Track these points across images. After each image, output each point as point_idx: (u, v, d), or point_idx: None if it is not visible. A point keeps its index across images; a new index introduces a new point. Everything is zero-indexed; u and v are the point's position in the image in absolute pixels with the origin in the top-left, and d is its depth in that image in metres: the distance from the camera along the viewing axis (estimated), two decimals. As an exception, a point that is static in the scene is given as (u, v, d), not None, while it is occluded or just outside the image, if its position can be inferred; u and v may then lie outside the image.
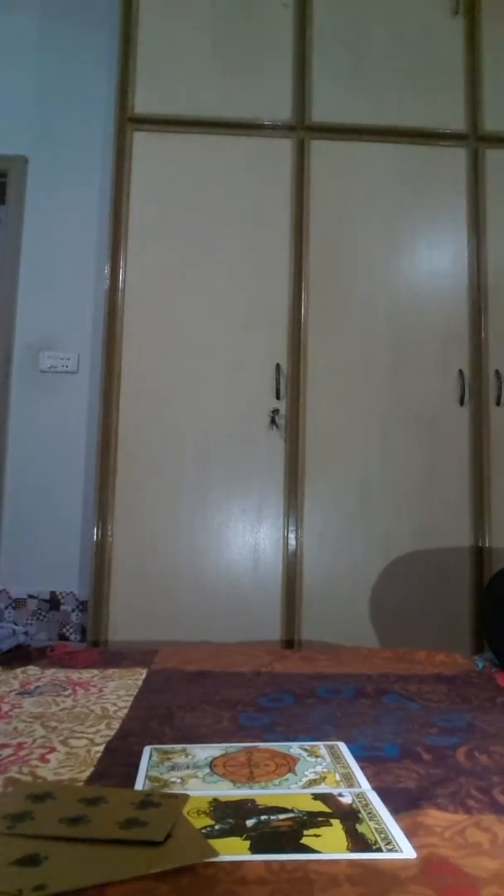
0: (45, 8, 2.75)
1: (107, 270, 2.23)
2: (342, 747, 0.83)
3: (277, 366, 2.21)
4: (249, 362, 2.22)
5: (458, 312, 2.27)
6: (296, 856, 0.57)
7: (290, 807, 0.66)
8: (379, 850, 0.58)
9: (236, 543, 2.16)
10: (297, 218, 2.27)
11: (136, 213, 2.25)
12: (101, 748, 0.84)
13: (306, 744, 0.85)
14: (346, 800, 0.68)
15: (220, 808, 0.66)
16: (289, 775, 0.75)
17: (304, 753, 0.81)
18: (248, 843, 0.59)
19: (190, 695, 1.08)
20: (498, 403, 2.23)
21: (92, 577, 2.12)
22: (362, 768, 0.76)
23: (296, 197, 2.28)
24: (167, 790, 0.71)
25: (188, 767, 0.77)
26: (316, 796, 0.69)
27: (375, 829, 0.62)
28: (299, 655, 1.42)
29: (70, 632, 2.50)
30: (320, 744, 0.84)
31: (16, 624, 2.39)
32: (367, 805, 0.67)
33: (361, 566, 2.16)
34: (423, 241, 2.30)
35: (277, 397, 2.20)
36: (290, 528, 2.16)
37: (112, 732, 0.90)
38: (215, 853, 0.57)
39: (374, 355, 2.25)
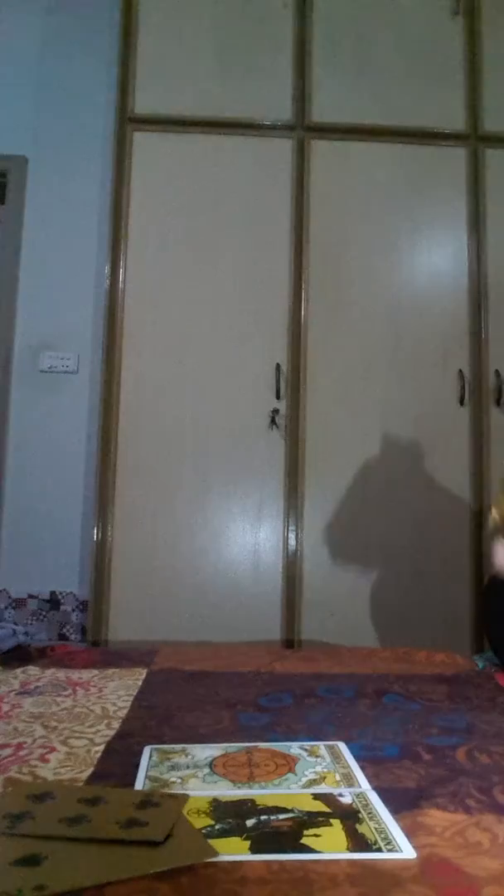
0: (45, 8, 2.75)
1: (107, 270, 2.23)
2: (342, 747, 0.83)
3: (277, 366, 2.21)
4: (249, 362, 2.22)
5: (458, 312, 2.27)
6: (296, 856, 0.57)
7: (290, 807, 0.66)
8: (379, 850, 0.58)
9: (236, 543, 2.16)
10: (297, 217, 2.27)
11: (136, 213, 2.26)
12: (101, 748, 0.84)
13: (306, 744, 0.84)
14: (346, 800, 0.68)
15: (220, 808, 0.66)
16: (289, 775, 0.75)
17: (304, 753, 0.81)
18: (248, 843, 0.59)
19: (190, 695, 1.08)
20: (498, 403, 2.23)
21: (92, 577, 2.12)
22: (362, 768, 0.76)
23: (296, 197, 2.28)
24: (167, 790, 0.71)
25: (188, 767, 0.77)
26: (316, 796, 0.69)
27: (375, 829, 0.62)
28: (299, 655, 1.42)
29: (70, 632, 2.50)
30: (320, 744, 0.84)
31: (16, 624, 2.39)
32: (367, 805, 0.67)
33: (361, 566, 2.16)
34: (423, 241, 2.30)
35: (277, 397, 2.20)
36: (290, 528, 2.16)
37: (112, 732, 0.90)
38: (215, 853, 0.57)
39: (374, 355, 2.25)
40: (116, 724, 0.93)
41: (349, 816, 0.64)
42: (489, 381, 2.24)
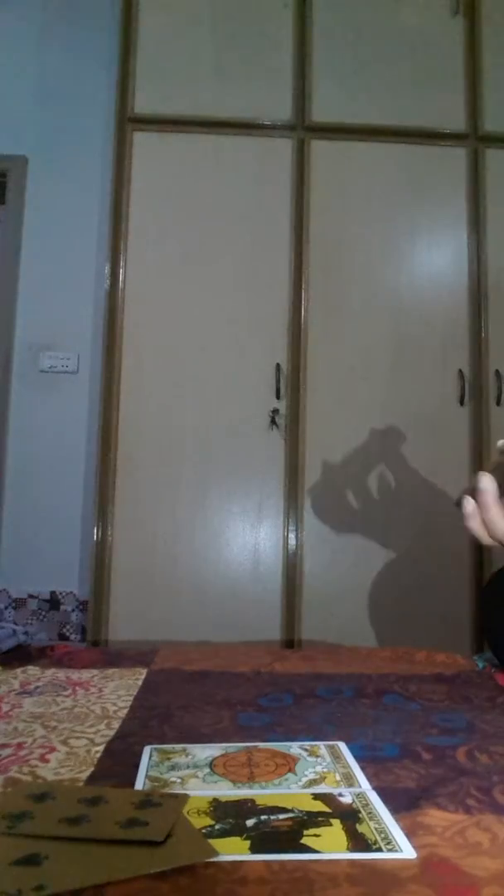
0: (45, 8, 2.76)
1: (107, 270, 2.23)
2: (342, 747, 0.83)
3: (277, 366, 2.21)
4: (249, 362, 2.22)
5: (458, 312, 2.27)
6: (296, 856, 0.57)
7: (290, 807, 0.66)
8: (379, 849, 0.58)
9: (236, 543, 2.16)
10: (297, 217, 2.27)
11: (136, 213, 2.26)
12: (101, 748, 0.84)
13: (306, 744, 0.84)
14: (346, 800, 0.68)
15: (220, 808, 0.66)
16: (289, 775, 0.75)
17: (304, 753, 0.81)
18: (248, 842, 0.59)
19: (190, 695, 1.08)
20: (498, 403, 2.23)
21: (92, 577, 2.12)
22: (362, 768, 0.76)
23: (296, 197, 2.28)
24: (167, 790, 0.71)
25: (188, 767, 0.77)
26: (316, 796, 0.69)
27: (375, 829, 0.62)
28: (299, 655, 1.42)
29: (70, 632, 2.50)
30: (320, 744, 0.84)
31: (16, 624, 2.39)
32: (367, 805, 0.67)
33: (361, 566, 2.16)
34: (423, 241, 2.30)
35: (277, 397, 2.20)
36: (290, 528, 2.16)
37: (112, 732, 0.90)
38: (215, 853, 0.57)
39: (375, 355, 2.25)
40: (116, 724, 0.93)
41: (349, 816, 0.64)
42: (489, 381, 2.24)
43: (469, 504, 0.91)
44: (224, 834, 0.61)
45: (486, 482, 0.89)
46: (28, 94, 2.73)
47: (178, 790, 0.71)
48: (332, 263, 2.27)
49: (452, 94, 2.35)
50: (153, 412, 2.19)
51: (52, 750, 0.83)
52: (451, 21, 2.37)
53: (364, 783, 0.72)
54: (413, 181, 2.32)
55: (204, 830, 0.61)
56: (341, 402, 2.22)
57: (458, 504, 0.92)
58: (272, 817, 0.64)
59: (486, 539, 0.92)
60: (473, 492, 0.90)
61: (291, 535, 2.16)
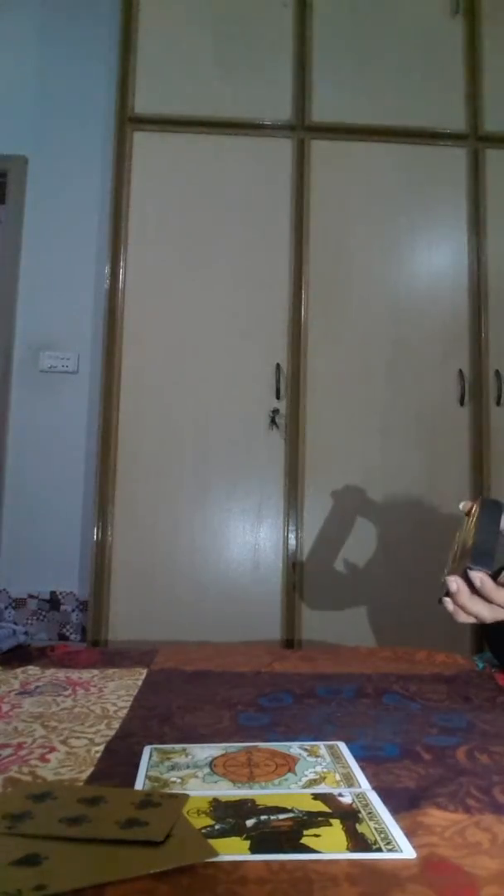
0: (44, 8, 2.76)
1: (107, 270, 2.23)
2: (342, 747, 0.83)
3: (277, 366, 2.21)
4: (249, 362, 2.22)
5: (458, 312, 2.27)
6: (296, 856, 0.57)
7: (290, 807, 0.66)
8: (379, 849, 0.58)
9: (236, 543, 2.16)
10: (297, 217, 2.27)
11: (136, 213, 2.26)
12: (101, 748, 0.84)
13: (306, 744, 0.84)
14: (346, 800, 0.68)
15: (220, 808, 0.66)
16: (289, 775, 0.75)
17: (304, 753, 0.81)
18: (248, 843, 0.59)
19: (190, 695, 1.08)
20: (498, 403, 2.23)
21: (92, 577, 2.12)
22: (362, 768, 0.76)
23: (296, 196, 2.28)
24: (167, 790, 0.71)
25: (188, 767, 0.77)
26: (316, 796, 0.69)
27: (375, 829, 0.62)
28: (299, 655, 1.42)
29: (70, 632, 2.50)
30: (320, 744, 0.84)
31: (16, 624, 2.39)
32: (367, 805, 0.67)
33: (361, 566, 2.16)
34: (423, 241, 2.30)
35: (277, 397, 2.20)
36: (290, 528, 2.16)
37: (112, 732, 0.90)
38: (215, 853, 0.57)
39: (375, 355, 2.25)
40: (116, 724, 0.93)
41: (349, 816, 0.64)
42: (489, 381, 2.24)
43: (449, 604, 0.95)
44: (224, 834, 0.61)
45: (454, 585, 0.93)
46: (28, 94, 2.73)
47: (178, 790, 0.71)
48: (332, 263, 2.27)
49: (452, 94, 2.35)
50: (153, 412, 2.19)
51: (52, 750, 0.83)
52: (451, 21, 2.37)
53: (364, 783, 0.72)
54: (413, 181, 2.32)
55: (204, 830, 0.61)
56: (341, 402, 2.22)
57: (441, 602, 0.95)
58: (272, 817, 0.64)
59: (481, 622, 0.94)
60: (448, 592, 0.93)
61: (291, 535, 2.16)
